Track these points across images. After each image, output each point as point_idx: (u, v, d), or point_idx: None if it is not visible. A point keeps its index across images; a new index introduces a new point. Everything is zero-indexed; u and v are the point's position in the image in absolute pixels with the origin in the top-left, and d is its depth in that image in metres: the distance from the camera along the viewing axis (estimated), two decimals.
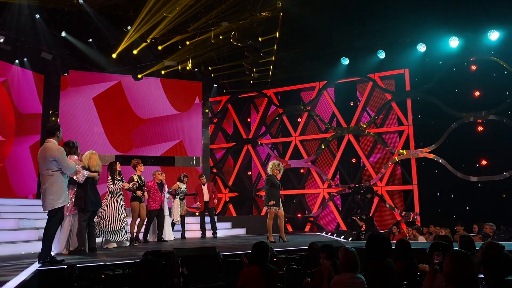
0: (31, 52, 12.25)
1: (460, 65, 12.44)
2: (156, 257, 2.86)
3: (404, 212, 12.63)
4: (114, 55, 12.57)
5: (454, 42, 12.14)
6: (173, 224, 9.91)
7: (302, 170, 14.88)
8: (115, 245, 7.65)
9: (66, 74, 13.03)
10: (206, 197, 10.42)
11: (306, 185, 14.70)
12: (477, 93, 12.19)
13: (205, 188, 10.51)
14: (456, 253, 2.54)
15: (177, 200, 9.97)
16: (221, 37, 11.44)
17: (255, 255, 4.25)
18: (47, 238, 5.32)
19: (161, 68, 13.56)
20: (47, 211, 5.36)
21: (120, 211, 7.77)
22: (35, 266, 4.93)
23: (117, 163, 8.13)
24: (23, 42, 11.90)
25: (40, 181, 5.46)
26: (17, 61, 12.32)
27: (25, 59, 12.44)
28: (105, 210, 7.66)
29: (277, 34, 11.58)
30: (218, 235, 10.49)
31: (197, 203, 10.41)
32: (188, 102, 15.02)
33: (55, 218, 5.36)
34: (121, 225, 7.65)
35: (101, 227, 7.55)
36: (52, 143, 5.40)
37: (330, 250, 4.69)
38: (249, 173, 15.81)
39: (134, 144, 13.95)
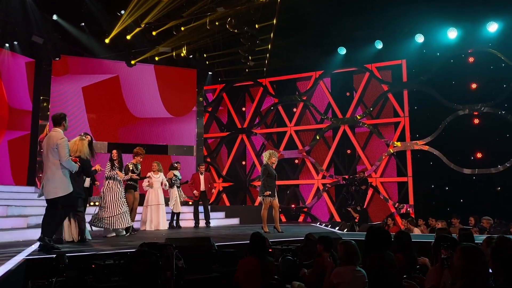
0: (21, 35, 11.88)
1: (458, 57, 12.32)
2: (151, 249, 2.69)
3: (397, 204, 12.59)
4: (107, 40, 12.25)
5: (452, 33, 12.01)
6: (177, 214, 9.78)
7: (296, 161, 14.76)
8: (114, 234, 7.48)
9: (57, 59, 12.69)
10: (202, 186, 10.26)
11: (300, 175, 14.59)
12: (474, 86, 12.09)
13: (202, 178, 10.35)
14: (468, 248, 2.41)
15: (175, 188, 9.79)
16: (217, 23, 11.16)
17: (252, 246, 4.12)
18: (50, 226, 5.33)
19: (155, 54, 13.26)
20: (49, 199, 5.34)
21: (119, 198, 7.60)
22: (23, 255, 4.75)
23: (113, 151, 8.02)
24: (13, 25, 11.54)
25: (43, 170, 5.51)
26: (7, 45, 11.95)
27: (15, 43, 12.08)
28: (101, 197, 7.54)
29: (274, 22, 11.34)
30: (211, 224, 10.36)
31: (194, 191, 10.25)
32: (184, 107, 14.69)
33: (57, 206, 5.36)
34: (119, 210, 7.48)
35: (99, 216, 7.38)
36: (57, 132, 5.44)
37: (328, 241, 4.56)
38: (243, 163, 15.66)
39: (126, 134, 13.64)
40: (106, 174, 7.71)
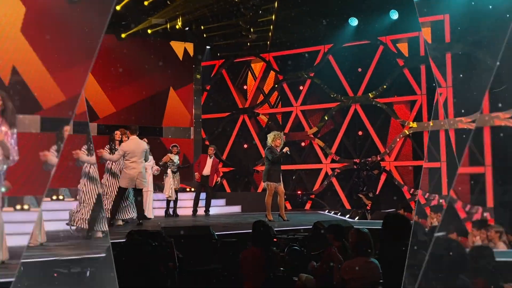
0: None
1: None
2: (143, 238, 2.63)
3: (412, 190, 12.52)
4: None
5: None
6: (174, 202, 9.75)
7: (303, 144, 14.68)
8: (121, 223, 7.45)
9: None
10: (207, 170, 10.15)
11: (307, 159, 14.53)
12: None
13: (209, 161, 10.24)
14: None
15: (170, 174, 9.73)
16: None
17: (256, 236, 4.08)
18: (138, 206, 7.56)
19: (148, 27, 13.06)
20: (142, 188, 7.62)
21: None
22: None
23: (116, 132, 7.83)
24: None
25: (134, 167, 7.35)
26: None
27: None
28: (106, 185, 7.37)
29: None
30: (210, 212, 10.34)
31: (196, 173, 10.20)
32: (180, 85, 14.59)
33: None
34: (126, 202, 7.37)
35: (106, 205, 7.24)
36: (138, 139, 7.68)
37: (339, 230, 4.52)
38: (245, 146, 15.60)
39: (116, 114, 13.51)
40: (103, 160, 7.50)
